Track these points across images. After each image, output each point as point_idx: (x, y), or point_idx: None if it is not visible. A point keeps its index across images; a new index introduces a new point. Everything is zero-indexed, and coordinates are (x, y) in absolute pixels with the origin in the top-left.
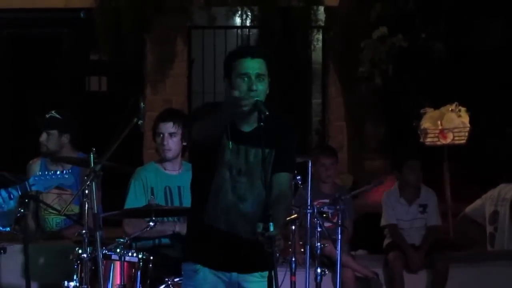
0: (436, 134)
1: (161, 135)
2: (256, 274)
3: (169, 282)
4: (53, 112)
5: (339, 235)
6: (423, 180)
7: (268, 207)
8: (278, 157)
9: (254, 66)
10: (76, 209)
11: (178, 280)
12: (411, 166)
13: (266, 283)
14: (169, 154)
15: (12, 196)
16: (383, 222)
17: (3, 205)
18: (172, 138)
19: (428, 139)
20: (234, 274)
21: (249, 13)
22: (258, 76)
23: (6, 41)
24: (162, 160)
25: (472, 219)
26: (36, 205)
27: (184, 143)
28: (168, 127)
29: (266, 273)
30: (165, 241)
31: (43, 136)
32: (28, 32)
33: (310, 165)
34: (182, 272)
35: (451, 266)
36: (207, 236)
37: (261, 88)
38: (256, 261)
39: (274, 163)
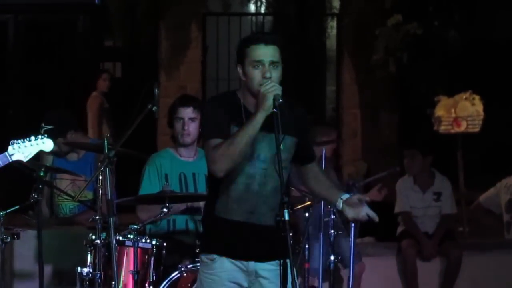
0: (450, 122)
1: (181, 120)
2: (273, 262)
3: (183, 269)
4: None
5: (353, 224)
6: (437, 169)
7: (283, 194)
8: (304, 148)
9: (267, 53)
10: (89, 195)
11: (191, 267)
12: (407, 155)
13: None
14: (188, 139)
15: None
16: (396, 209)
17: None
18: (192, 123)
19: (442, 127)
20: (252, 263)
21: (263, 0)
22: (272, 63)
23: (21, 27)
24: (177, 146)
25: (486, 208)
26: (50, 191)
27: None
28: (189, 112)
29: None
30: (180, 226)
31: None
32: (43, 17)
33: (324, 151)
34: (199, 261)
35: (464, 255)
36: (220, 229)
37: (275, 75)
38: (273, 249)
39: (302, 155)
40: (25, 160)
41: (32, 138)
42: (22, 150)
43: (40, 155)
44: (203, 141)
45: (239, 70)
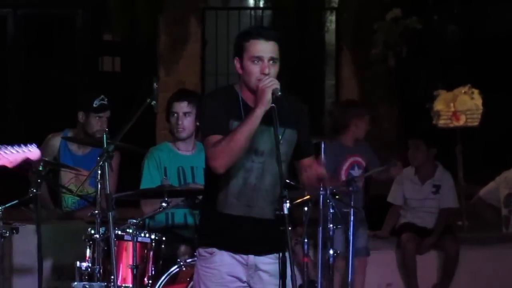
0: (449, 116)
1: (176, 115)
2: (272, 255)
3: (182, 263)
4: (102, 96)
5: (352, 217)
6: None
7: (282, 188)
8: (302, 141)
9: (267, 49)
10: (91, 190)
11: (190, 261)
12: (411, 145)
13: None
14: (183, 134)
15: None
16: (388, 198)
17: None
18: (186, 118)
19: (441, 121)
20: (251, 257)
21: None
22: (271, 59)
23: (19, 21)
24: (175, 140)
25: (486, 202)
26: (53, 183)
27: (198, 123)
28: (183, 106)
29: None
30: (178, 220)
31: (96, 122)
32: (41, 12)
33: (323, 146)
34: (197, 256)
35: (463, 249)
36: (220, 223)
37: (273, 71)
38: (271, 242)
39: (301, 148)
40: (10, 166)
41: (21, 145)
42: (8, 156)
43: (46, 142)
44: (201, 137)
45: (237, 64)
